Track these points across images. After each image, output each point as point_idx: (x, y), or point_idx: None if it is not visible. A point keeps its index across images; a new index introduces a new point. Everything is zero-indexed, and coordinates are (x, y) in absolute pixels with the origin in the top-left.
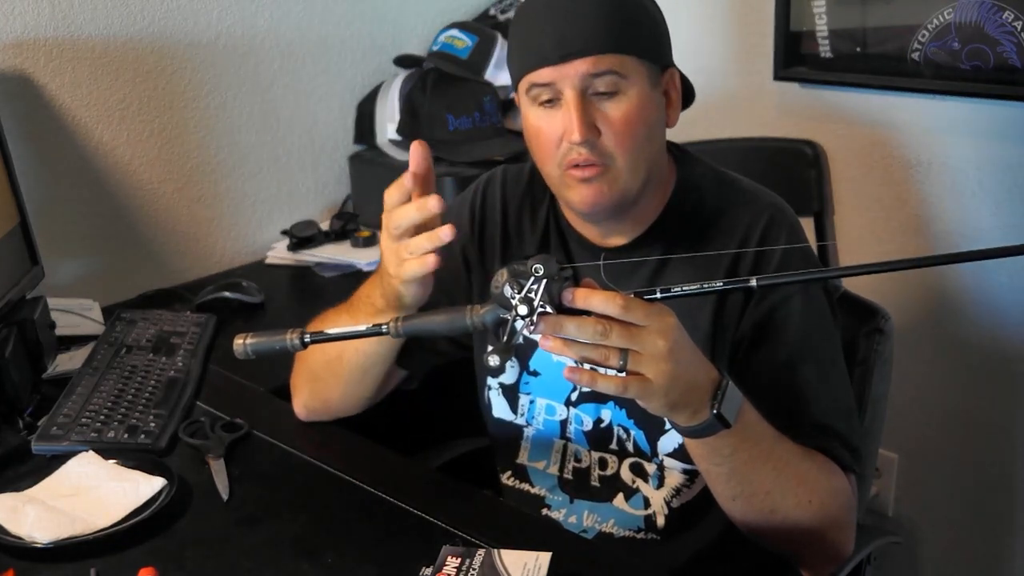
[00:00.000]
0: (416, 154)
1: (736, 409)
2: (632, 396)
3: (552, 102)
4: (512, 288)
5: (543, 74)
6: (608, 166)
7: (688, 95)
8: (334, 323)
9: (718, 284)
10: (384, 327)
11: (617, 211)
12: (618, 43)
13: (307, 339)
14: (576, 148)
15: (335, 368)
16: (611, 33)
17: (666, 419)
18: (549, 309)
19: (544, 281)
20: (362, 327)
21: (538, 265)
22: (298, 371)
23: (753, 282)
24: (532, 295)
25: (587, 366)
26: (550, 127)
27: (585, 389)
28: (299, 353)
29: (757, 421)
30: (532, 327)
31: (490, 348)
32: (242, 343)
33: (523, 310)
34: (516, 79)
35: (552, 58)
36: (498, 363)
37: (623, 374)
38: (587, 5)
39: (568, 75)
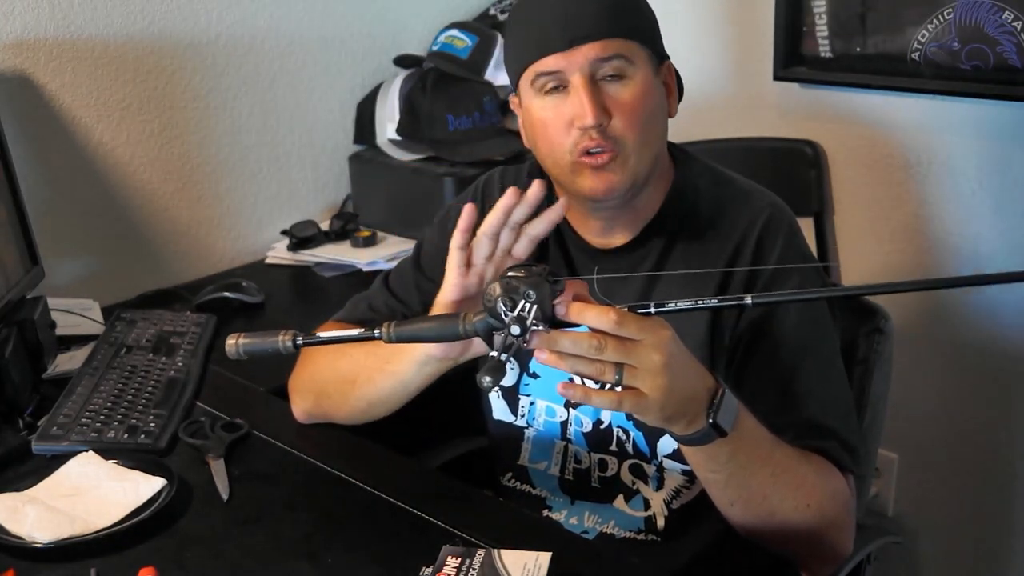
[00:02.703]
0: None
1: (733, 417)
2: (627, 411)
3: (558, 89)
4: (505, 304)
5: (549, 62)
6: (619, 150)
7: (679, 92)
8: (365, 352)
9: (713, 301)
10: (377, 332)
11: (627, 198)
12: (623, 28)
13: (299, 341)
14: (588, 132)
15: (346, 391)
16: (616, 18)
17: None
18: (542, 327)
19: (536, 303)
20: (355, 332)
21: (530, 291)
22: (302, 378)
23: (748, 300)
24: (525, 313)
25: (582, 380)
26: (558, 115)
27: None
28: (307, 362)
29: (754, 427)
30: (525, 344)
31: (482, 368)
32: (234, 343)
33: (516, 330)
34: (519, 71)
35: (559, 45)
36: (490, 383)
37: (618, 388)
38: None
39: (576, 61)
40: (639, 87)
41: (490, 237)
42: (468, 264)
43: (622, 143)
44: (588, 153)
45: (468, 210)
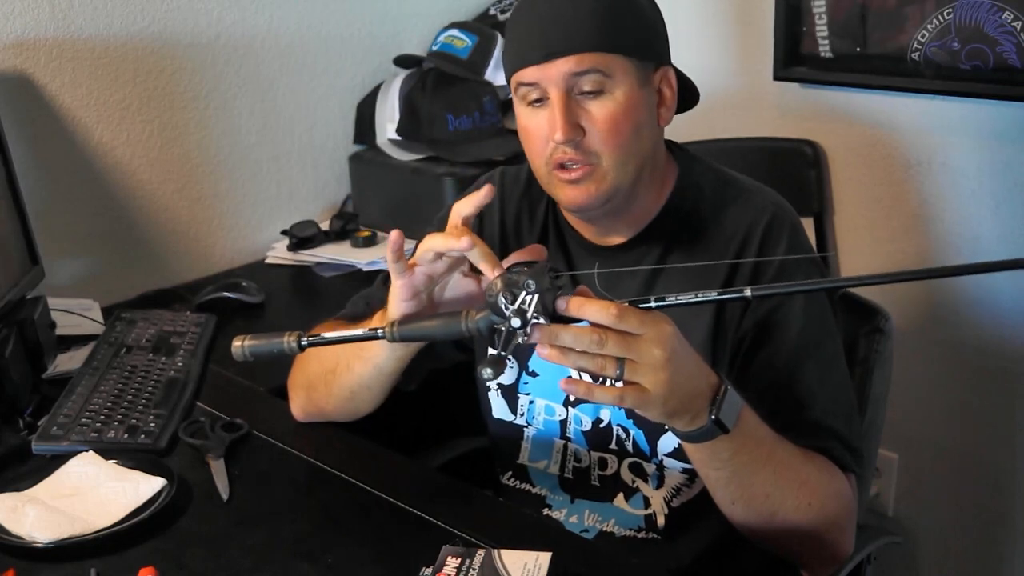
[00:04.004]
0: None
1: (735, 414)
2: (629, 406)
3: (540, 101)
4: (506, 299)
5: (528, 73)
6: (594, 165)
7: (691, 97)
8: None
9: (713, 294)
10: (380, 331)
11: (607, 210)
12: (602, 42)
13: (304, 342)
14: (561, 147)
15: (329, 380)
16: (595, 32)
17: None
18: (543, 320)
19: (537, 294)
20: (359, 331)
21: (530, 281)
22: (296, 375)
23: (748, 292)
24: (525, 306)
25: (584, 376)
26: (537, 126)
27: None
28: (298, 357)
29: (757, 425)
30: (526, 338)
31: (483, 361)
32: (240, 345)
33: (516, 322)
34: (507, 78)
35: (536, 58)
36: (491, 376)
37: (620, 383)
38: (571, 4)
39: (551, 75)
40: (618, 102)
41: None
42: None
43: (598, 157)
44: (563, 167)
45: (396, 236)
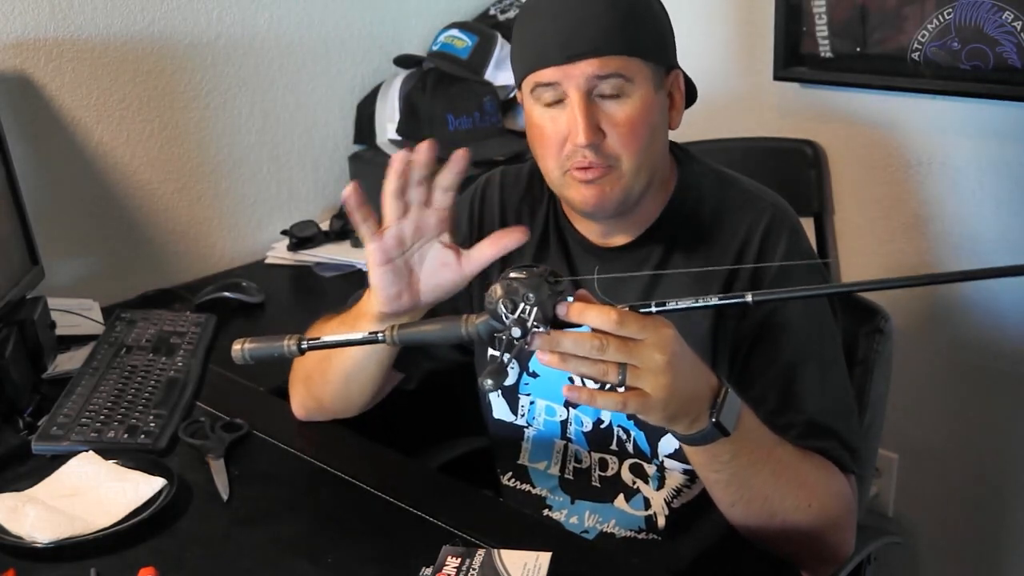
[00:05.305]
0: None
1: (735, 417)
2: (631, 411)
3: (558, 103)
4: (505, 307)
5: (548, 74)
6: (613, 167)
7: (690, 96)
8: (330, 330)
9: (714, 299)
10: (380, 335)
11: (619, 212)
12: (624, 45)
13: (304, 345)
14: (581, 151)
15: (324, 368)
16: (618, 35)
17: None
18: (542, 329)
19: (537, 306)
20: (358, 335)
21: (529, 294)
22: (295, 370)
23: (749, 298)
24: (525, 315)
25: (586, 382)
26: (554, 127)
27: None
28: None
29: (756, 427)
30: (527, 346)
31: (484, 372)
32: (240, 348)
33: (516, 332)
34: (520, 77)
35: (558, 58)
36: (492, 387)
37: (622, 388)
38: (594, 5)
39: (573, 76)
40: (637, 106)
41: (395, 197)
42: (380, 225)
43: (616, 162)
44: (579, 168)
45: (352, 191)
